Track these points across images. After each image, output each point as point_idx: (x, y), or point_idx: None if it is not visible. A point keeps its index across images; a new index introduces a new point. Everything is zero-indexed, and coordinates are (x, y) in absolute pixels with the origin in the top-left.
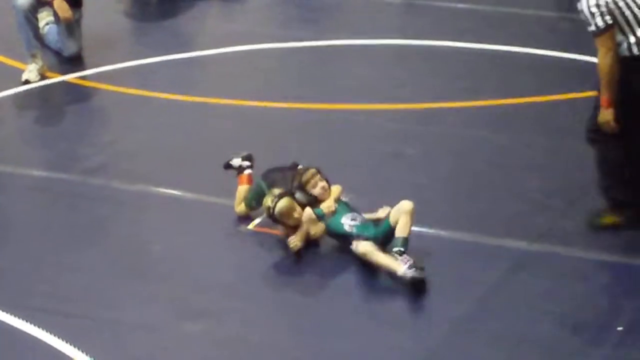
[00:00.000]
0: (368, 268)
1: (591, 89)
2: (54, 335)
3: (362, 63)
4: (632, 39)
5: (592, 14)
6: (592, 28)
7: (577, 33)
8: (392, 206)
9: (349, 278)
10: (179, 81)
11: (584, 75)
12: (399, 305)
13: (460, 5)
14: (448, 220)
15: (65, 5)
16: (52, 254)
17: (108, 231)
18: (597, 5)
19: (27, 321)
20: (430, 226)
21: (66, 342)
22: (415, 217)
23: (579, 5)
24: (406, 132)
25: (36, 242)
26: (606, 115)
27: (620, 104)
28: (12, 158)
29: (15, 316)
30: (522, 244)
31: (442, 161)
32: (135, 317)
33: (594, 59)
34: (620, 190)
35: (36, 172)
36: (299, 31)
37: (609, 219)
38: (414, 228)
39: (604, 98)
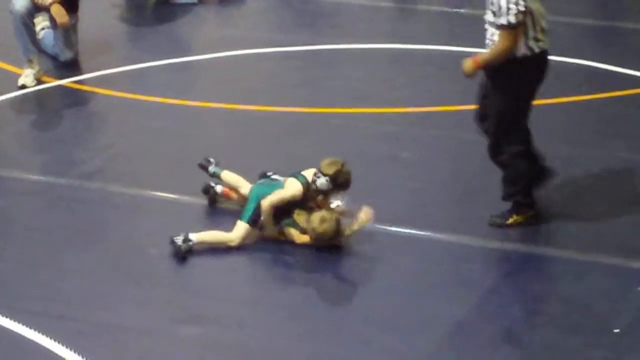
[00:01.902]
0: (364, 272)
1: (586, 93)
2: (51, 339)
3: (357, 67)
4: (531, 41)
5: (509, 9)
6: (503, 21)
7: (570, 37)
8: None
9: (346, 282)
10: (175, 85)
11: (578, 79)
12: (395, 309)
13: (455, 10)
14: (444, 224)
15: (62, 11)
16: (49, 258)
17: (105, 235)
18: (516, 3)
19: (24, 324)
20: (426, 229)
21: (63, 345)
22: (412, 219)
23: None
24: (402, 136)
25: (33, 246)
26: (471, 69)
27: (514, 100)
28: (9, 162)
29: (12, 319)
30: (518, 247)
31: (437, 164)
32: (132, 320)
33: (589, 63)
34: (524, 194)
35: (33, 176)
36: (294, 35)
37: (513, 219)
38: (410, 230)
39: (485, 62)
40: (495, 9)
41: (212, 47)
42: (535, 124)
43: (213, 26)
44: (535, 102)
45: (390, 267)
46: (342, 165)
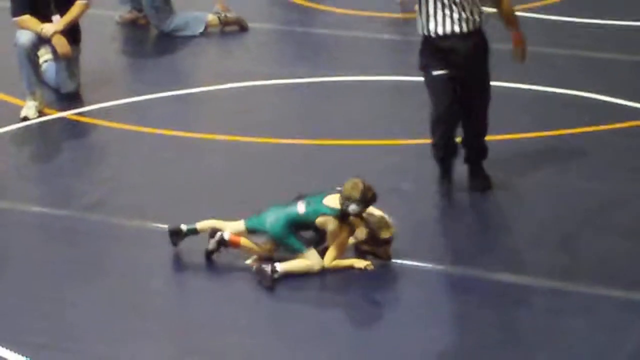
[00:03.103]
0: (367, 305)
1: (588, 124)
2: None
3: (358, 99)
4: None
5: None
6: None
7: (573, 69)
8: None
9: (348, 316)
10: (177, 117)
11: (580, 111)
12: (397, 340)
13: None
14: (446, 256)
15: (64, 41)
16: (50, 290)
17: (107, 267)
18: None
19: (27, 357)
20: (427, 261)
21: None
22: (413, 252)
23: None
24: (402, 168)
25: (34, 278)
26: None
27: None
28: (11, 194)
29: (15, 352)
30: (520, 279)
31: (436, 196)
32: (134, 353)
33: (590, 95)
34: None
35: (34, 208)
36: (295, 68)
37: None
38: (411, 262)
39: (517, 23)
40: None
41: (214, 79)
42: (535, 155)
43: (215, 58)
44: (537, 134)
45: (390, 299)
46: (363, 182)
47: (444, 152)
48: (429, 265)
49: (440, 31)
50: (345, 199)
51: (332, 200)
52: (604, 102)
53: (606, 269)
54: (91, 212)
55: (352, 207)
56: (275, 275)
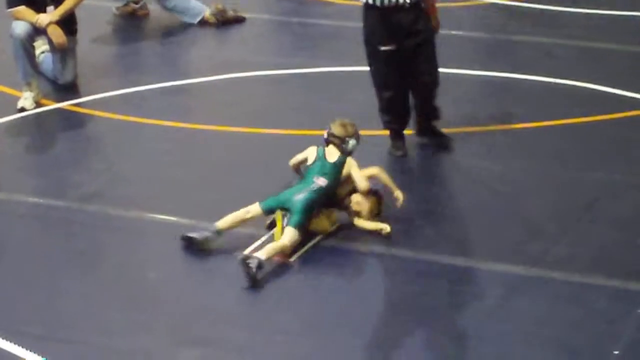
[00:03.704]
0: (363, 296)
1: (585, 115)
2: None
3: (355, 89)
4: None
5: None
6: None
7: (571, 59)
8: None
9: (345, 306)
10: (174, 108)
11: (577, 101)
12: (393, 333)
13: (454, 33)
14: (442, 246)
15: (59, 31)
16: (46, 281)
17: (103, 258)
18: None
19: (24, 347)
20: (424, 251)
21: None
22: (410, 242)
23: None
24: (400, 158)
25: (31, 269)
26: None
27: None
28: (7, 185)
29: (12, 342)
30: (517, 269)
31: (436, 187)
32: (131, 344)
33: (588, 85)
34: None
35: (31, 199)
36: (293, 58)
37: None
38: (406, 253)
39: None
40: None
41: (211, 70)
42: (533, 145)
43: (212, 49)
44: (534, 124)
45: (387, 289)
46: (343, 120)
47: (395, 120)
48: (423, 256)
49: (386, 1)
50: (342, 140)
51: (333, 154)
52: (602, 92)
53: (603, 259)
54: (88, 203)
55: (352, 143)
56: (259, 274)
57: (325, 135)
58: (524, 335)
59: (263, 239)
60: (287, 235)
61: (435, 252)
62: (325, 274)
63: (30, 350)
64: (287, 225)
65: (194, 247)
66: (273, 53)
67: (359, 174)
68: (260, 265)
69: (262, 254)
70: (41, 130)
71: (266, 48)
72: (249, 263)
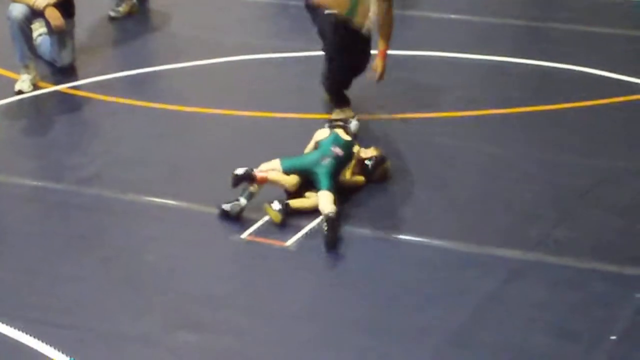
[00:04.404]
0: (362, 280)
1: (583, 99)
2: (49, 346)
3: None
4: None
5: None
6: None
7: (569, 43)
8: None
9: (343, 291)
10: (172, 91)
11: (576, 85)
12: (392, 317)
13: (451, 16)
14: (441, 231)
15: (57, 14)
16: (45, 264)
17: (101, 241)
18: None
19: (21, 331)
20: (423, 236)
21: (61, 352)
22: (409, 227)
23: None
24: (398, 142)
25: (29, 253)
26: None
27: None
28: (5, 168)
29: (10, 326)
30: (516, 254)
31: (435, 171)
32: (129, 328)
33: (586, 69)
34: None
35: (29, 182)
36: (291, 42)
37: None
38: (406, 237)
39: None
40: None
41: (209, 53)
42: (531, 130)
43: (210, 32)
44: (532, 108)
45: (385, 274)
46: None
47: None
48: (422, 240)
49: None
50: (345, 121)
51: (344, 134)
52: (601, 76)
53: (602, 245)
54: (86, 186)
55: (355, 124)
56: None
57: (328, 124)
58: (523, 320)
59: (260, 223)
60: (328, 198)
61: (435, 238)
62: (324, 258)
63: (28, 334)
64: (322, 189)
65: (231, 217)
66: (271, 36)
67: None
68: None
69: (333, 209)
70: (39, 113)
71: (265, 31)
72: (336, 220)
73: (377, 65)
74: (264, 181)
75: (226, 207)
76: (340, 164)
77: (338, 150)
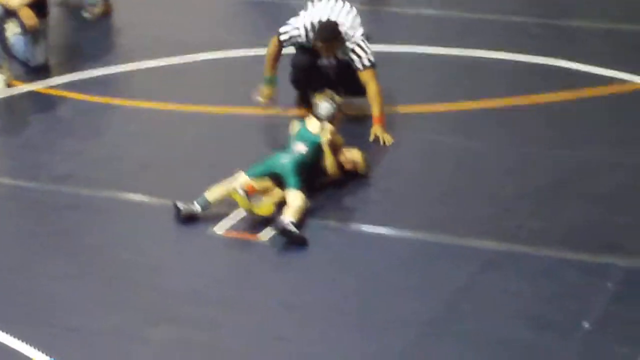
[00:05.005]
0: (335, 272)
1: (559, 93)
2: (24, 342)
3: None
4: None
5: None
6: (367, 63)
7: (547, 38)
8: None
9: (317, 283)
10: (146, 89)
11: (553, 79)
12: (365, 309)
13: (429, 12)
14: (417, 223)
15: (31, 13)
16: (20, 262)
17: (76, 239)
18: (368, 47)
19: None
20: (397, 228)
21: (36, 349)
22: (383, 219)
23: (349, 44)
24: (363, 132)
25: (4, 251)
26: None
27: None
28: None
29: None
30: (490, 245)
31: (411, 164)
32: (104, 324)
33: (562, 63)
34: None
35: (4, 180)
36: (266, 38)
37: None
38: (380, 229)
39: (383, 115)
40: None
41: (184, 50)
42: (507, 124)
43: (185, 29)
44: (508, 102)
45: (360, 267)
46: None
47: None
48: (397, 232)
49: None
50: (316, 105)
51: (313, 124)
52: (578, 70)
53: (575, 235)
54: (61, 184)
55: (324, 106)
56: (294, 229)
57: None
58: (498, 310)
59: (236, 218)
60: (296, 197)
61: (409, 230)
62: (299, 252)
63: (4, 332)
64: (288, 188)
65: (180, 217)
66: (244, 32)
67: (331, 159)
68: (296, 226)
69: (290, 218)
70: (13, 113)
71: (240, 28)
72: (289, 230)
73: (372, 134)
74: (253, 191)
75: (180, 205)
76: (305, 160)
77: (301, 148)
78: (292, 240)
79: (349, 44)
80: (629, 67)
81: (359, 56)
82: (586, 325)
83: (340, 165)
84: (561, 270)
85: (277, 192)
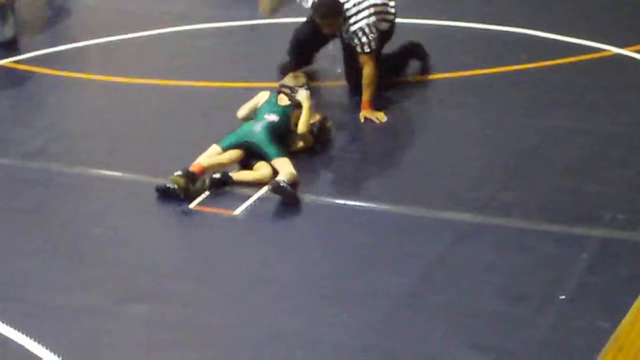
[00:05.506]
0: (310, 246)
1: (528, 61)
2: None
3: None
4: None
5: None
6: (367, 49)
7: (511, 6)
8: None
9: (292, 256)
10: (116, 63)
11: (521, 47)
12: (340, 282)
13: None
14: (388, 195)
15: None
16: None
17: (48, 215)
18: (372, 32)
19: None
20: (370, 201)
21: (10, 326)
22: (356, 192)
23: (352, 27)
24: (343, 107)
25: None
26: (369, 113)
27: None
28: None
29: None
30: (464, 217)
31: (380, 135)
32: (78, 300)
33: (530, 31)
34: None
35: None
36: (234, 11)
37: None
38: (353, 202)
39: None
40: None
41: (153, 23)
42: (477, 93)
43: (153, 3)
44: (478, 72)
45: (335, 240)
46: (299, 73)
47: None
48: (370, 205)
49: None
50: (292, 90)
51: (283, 100)
52: (543, 38)
53: (549, 205)
54: (31, 160)
55: (302, 92)
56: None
57: (278, 86)
58: (472, 282)
59: (207, 193)
60: (284, 163)
61: (382, 202)
62: (272, 225)
63: None
64: (272, 159)
65: (172, 197)
66: (212, 6)
67: (305, 118)
68: (290, 185)
69: (284, 179)
70: None
71: (206, 1)
72: (283, 187)
73: (362, 117)
74: (201, 170)
75: (160, 185)
76: (276, 129)
77: (273, 117)
78: (286, 198)
79: (352, 27)
80: (599, 36)
81: (360, 40)
82: (561, 296)
83: (310, 130)
84: (535, 241)
85: (264, 170)
